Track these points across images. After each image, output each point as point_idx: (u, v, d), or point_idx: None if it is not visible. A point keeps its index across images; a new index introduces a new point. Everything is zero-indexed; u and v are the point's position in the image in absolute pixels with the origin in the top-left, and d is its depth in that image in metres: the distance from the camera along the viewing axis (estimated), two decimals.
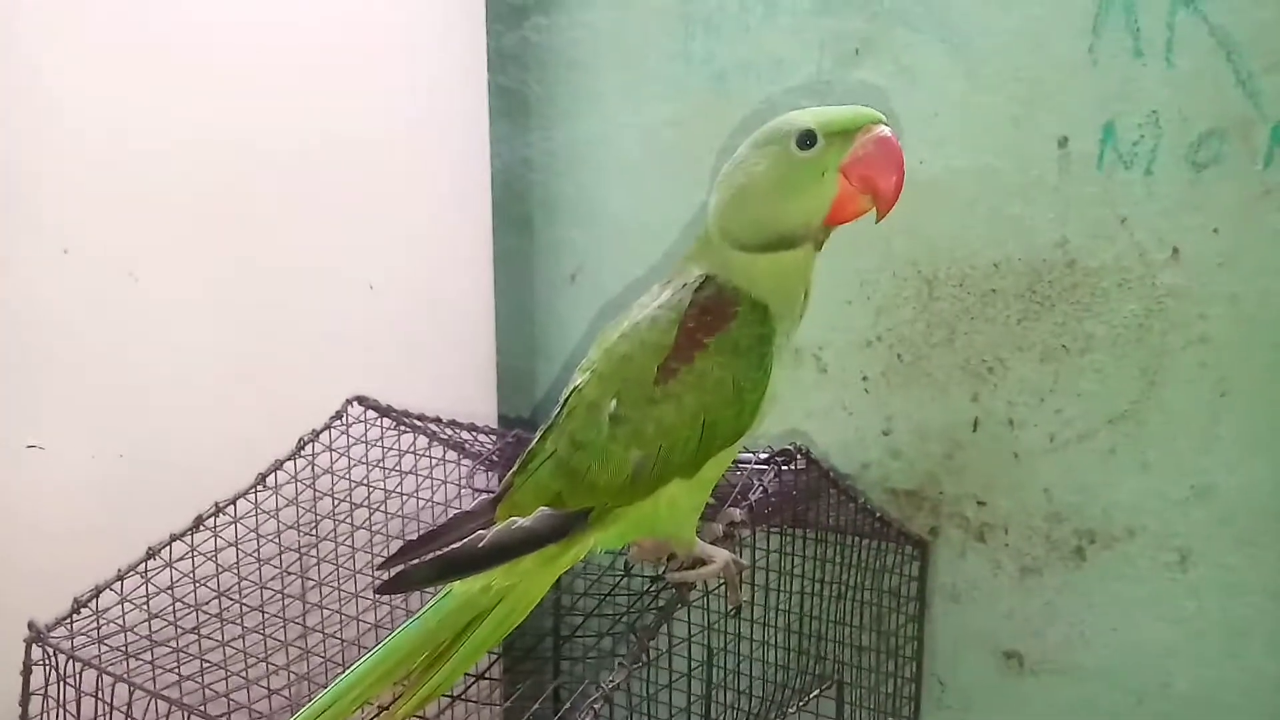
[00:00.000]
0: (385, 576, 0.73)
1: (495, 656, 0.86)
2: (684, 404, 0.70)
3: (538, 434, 0.76)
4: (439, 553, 0.72)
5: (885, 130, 0.68)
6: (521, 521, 0.73)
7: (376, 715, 0.73)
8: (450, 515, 0.79)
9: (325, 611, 1.03)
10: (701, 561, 0.78)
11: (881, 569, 1.13)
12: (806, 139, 0.67)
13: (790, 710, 0.99)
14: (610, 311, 1.35)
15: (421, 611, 0.74)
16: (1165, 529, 1.05)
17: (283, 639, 1.00)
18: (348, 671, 0.72)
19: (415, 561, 0.73)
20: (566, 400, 0.74)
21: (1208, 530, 1.03)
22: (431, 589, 0.74)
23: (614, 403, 0.71)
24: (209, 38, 1.04)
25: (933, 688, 1.19)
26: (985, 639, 1.16)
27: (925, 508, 1.18)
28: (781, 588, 1.04)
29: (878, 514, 1.08)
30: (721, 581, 0.80)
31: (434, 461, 1.16)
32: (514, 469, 0.76)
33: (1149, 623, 1.06)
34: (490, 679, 0.84)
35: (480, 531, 0.73)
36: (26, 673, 0.86)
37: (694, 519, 0.77)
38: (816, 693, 1.02)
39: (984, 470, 1.14)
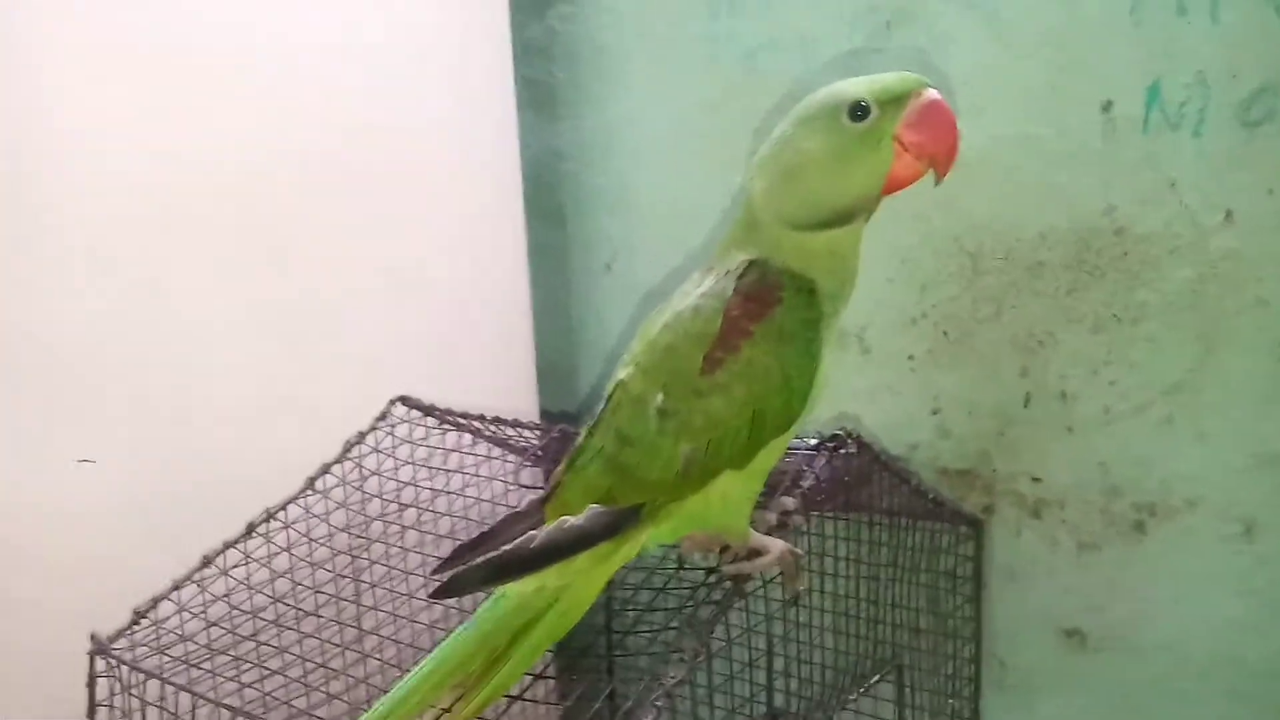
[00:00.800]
0: (438, 581, 0.73)
1: (550, 656, 0.86)
2: (732, 394, 0.69)
3: (583, 430, 0.75)
4: (490, 555, 0.72)
5: (935, 93, 0.66)
6: (572, 520, 0.72)
7: (438, 719, 0.73)
8: (500, 515, 0.78)
9: (380, 614, 1.04)
10: (757, 552, 0.77)
11: (936, 550, 1.12)
12: (859, 110, 0.65)
13: (851, 697, 0.98)
14: (649, 301, 1.34)
15: (476, 615, 0.73)
16: (1227, 499, 1.02)
17: (339, 643, 1.00)
18: (406, 677, 0.71)
19: (467, 565, 0.72)
20: (611, 394, 0.73)
21: (1272, 499, 1.00)
22: (485, 591, 0.74)
23: (660, 396, 0.70)
24: (235, 43, 1.04)
25: (993, 668, 1.17)
26: (1045, 617, 1.14)
27: (978, 486, 1.16)
28: (837, 573, 1.03)
29: (931, 495, 1.06)
30: (779, 571, 0.78)
31: (480, 459, 1.16)
32: (561, 467, 0.75)
33: (1215, 595, 1.04)
34: (546, 677, 0.84)
35: (531, 532, 0.72)
36: (92, 684, 0.87)
37: (748, 510, 0.76)
38: (877, 678, 1.01)
39: (1037, 446, 1.12)
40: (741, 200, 0.73)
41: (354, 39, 1.15)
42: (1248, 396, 1.00)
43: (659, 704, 0.65)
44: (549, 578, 0.72)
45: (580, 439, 0.75)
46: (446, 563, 0.74)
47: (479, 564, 0.72)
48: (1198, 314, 1.01)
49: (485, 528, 0.77)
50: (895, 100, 0.65)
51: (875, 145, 0.66)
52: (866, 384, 1.22)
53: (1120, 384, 1.06)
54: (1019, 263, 1.10)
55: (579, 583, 0.73)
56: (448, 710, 0.73)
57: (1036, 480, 1.12)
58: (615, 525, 0.72)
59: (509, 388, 1.36)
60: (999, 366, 1.13)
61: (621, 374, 0.73)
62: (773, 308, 0.69)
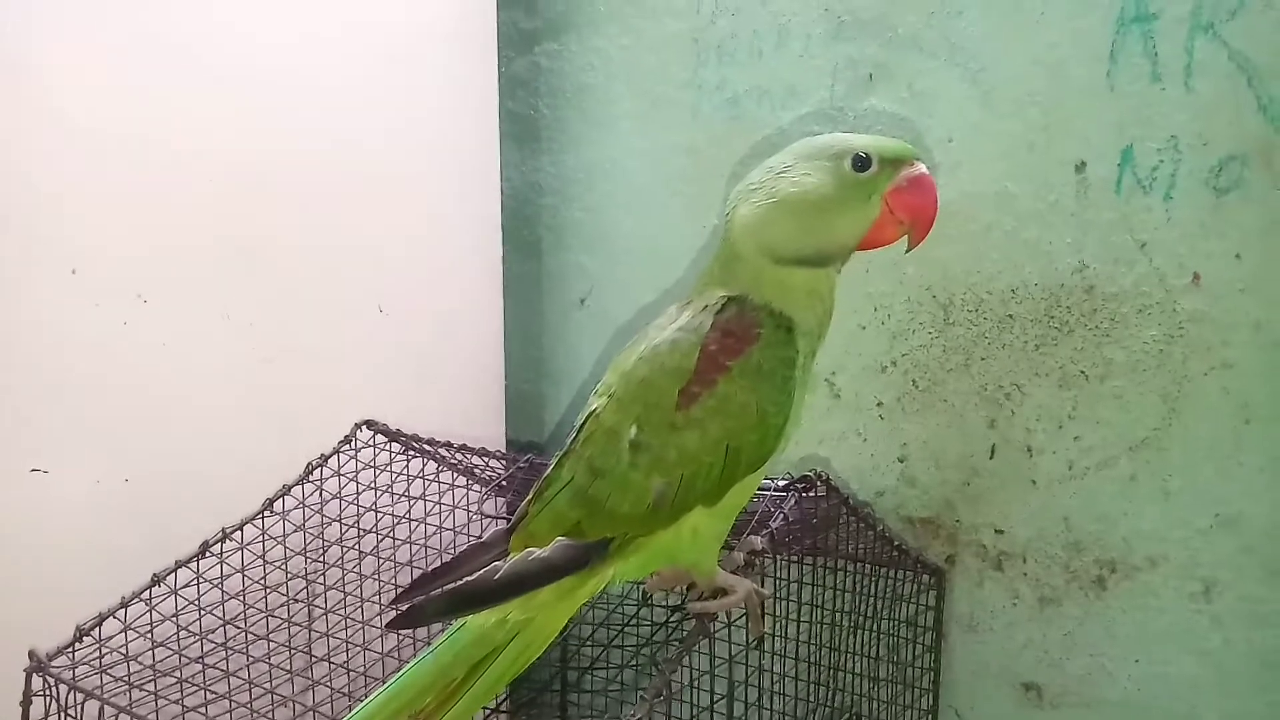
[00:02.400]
0: (397, 610, 0.71)
1: (504, 694, 0.84)
2: (707, 430, 0.69)
3: (553, 460, 0.74)
4: (453, 585, 0.70)
5: (924, 168, 0.71)
6: (538, 552, 0.71)
7: None
8: (462, 545, 0.77)
9: (333, 640, 1.02)
10: (723, 591, 0.76)
11: (898, 598, 1.11)
12: (861, 160, 0.69)
13: None
14: (620, 337, 1.34)
15: (435, 645, 0.72)
16: (1188, 559, 1.03)
17: (289, 669, 0.98)
18: (359, 706, 0.69)
19: (428, 595, 0.71)
20: (583, 425, 0.73)
21: (1233, 560, 1.01)
22: (445, 622, 0.72)
23: (634, 429, 0.70)
24: (222, 62, 1.04)
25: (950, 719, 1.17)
26: (1003, 670, 1.13)
27: (942, 536, 1.16)
28: (799, 618, 1.02)
29: (896, 542, 1.06)
30: (743, 612, 0.78)
31: (444, 487, 1.14)
32: (529, 497, 0.74)
33: (1173, 655, 1.04)
34: (500, 712, 0.82)
35: (495, 563, 0.71)
36: (26, 703, 0.84)
37: (716, 548, 0.75)
38: None
39: (1002, 498, 1.12)
40: (722, 233, 0.74)
41: (341, 61, 1.15)
42: (1211, 457, 1.01)
43: None
44: (512, 610, 0.71)
45: (550, 469, 0.74)
46: (407, 592, 0.73)
47: (440, 594, 0.71)
48: (1164, 374, 1.02)
49: (447, 556, 0.76)
50: (893, 162, 0.70)
51: (866, 198, 0.70)
52: (836, 428, 1.23)
53: (1085, 439, 1.07)
54: (990, 315, 1.12)
55: (542, 617, 0.72)
56: None
57: (1000, 532, 1.13)
58: (582, 559, 0.71)
59: (477, 416, 1.35)
60: (966, 417, 1.13)
61: (594, 404, 0.73)
62: (751, 344, 0.69)
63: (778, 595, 1.02)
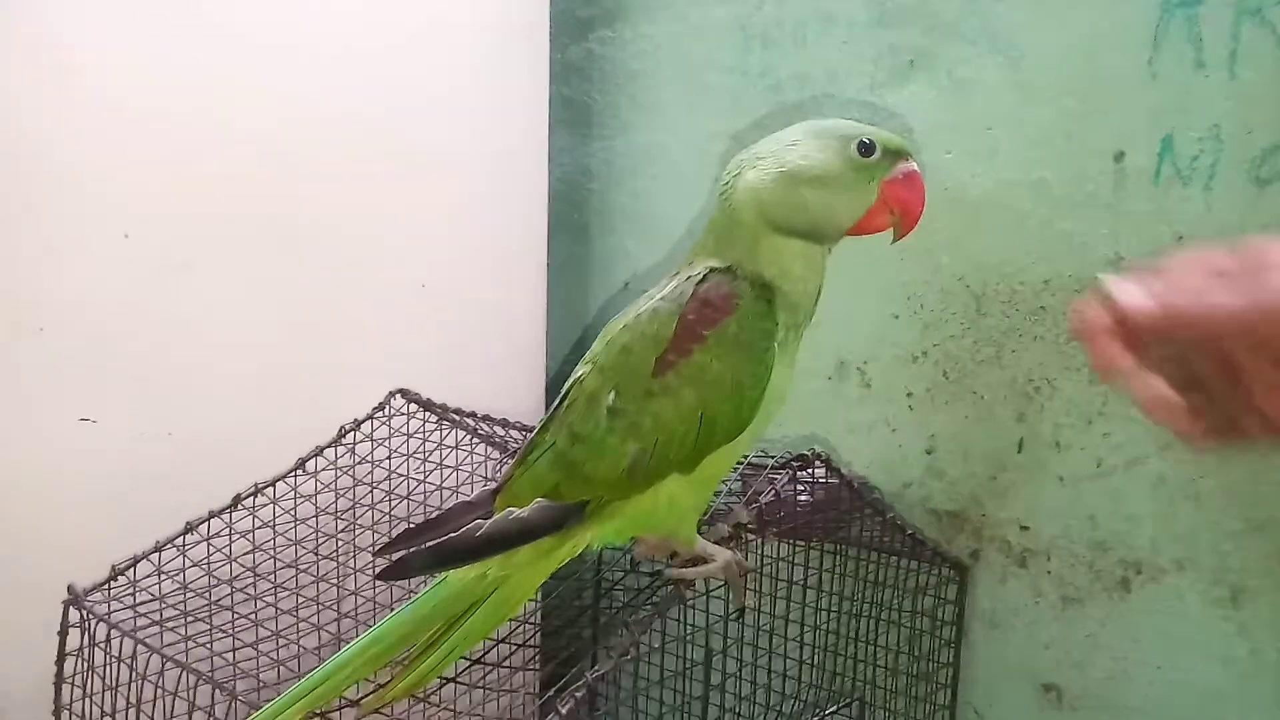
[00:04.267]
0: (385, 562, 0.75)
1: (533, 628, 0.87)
2: (681, 398, 0.70)
3: (538, 425, 0.76)
4: (437, 541, 0.73)
5: (916, 165, 0.73)
6: (518, 512, 0.73)
7: (371, 693, 0.75)
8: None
9: (358, 598, 1.06)
10: (703, 560, 0.78)
11: (915, 589, 1.10)
12: (867, 146, 0.71)
13: None
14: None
15: (418, 597, 0.75)
16: (1217, 564, 0.99)
17: (315, 622, 1.03)
18: (342, 650, 0.73)
19: (414, 549, 0.74)
20: (568, 392, 0.75)
21: (1262, 567, 0.97)
22: (429, 575, 0.75)
23: (612, 395, 0.71)
24: (276, 42, 1.09)
25: (969, 717, 1.15)
26: (1024, 670, 1.11)
27: (967, 530, 1.15)
28: (792, 598, 1.02)
29: (909, 531, 1.05)
30: (723, 582, 0.79)
31: (477, 458, 1.18)
32: (515, 460, 0.77)
33: (1197, 662, 1.01)
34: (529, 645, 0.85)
35: (479, 521, 0.74)
36: (63, 634, 0.90)
37: (694, 517, 0.76)
38: (833, 709, 1.00)
39: (1028, 493, 1.10)
40: (720, 199, 0.75)
41: (395, 44, 1.19)
42: (1244, 459, 0.97)
43: (578, 694, 0.66)
44: (491, 567, 0.74)
45: (534, 433, 0.76)
46: (393, 544, 0.76)
47: (425, 549, 0.73)
48: None
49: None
50: (893, 154, 0.72)
51: (866, 183, 0.72)
52: (866, 418, 1.22)
53: (1114, 436, 1.04)
54: (1022, 307, 1.10)
55: (519, 575, 0.75)
56: (383, 685, 0.75)
57: (1025, 528, 1.10)
58: (560, 520, 0.73)
59: (518, 394, 1.38)
60: (995, 410, 1.12)
61: (579, 372, 0.75)
62: (728, 314, 0.70)
63: (781, 578, 1.02)
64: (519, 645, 0.82)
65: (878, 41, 1.19)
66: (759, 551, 1.00)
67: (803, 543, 1.03)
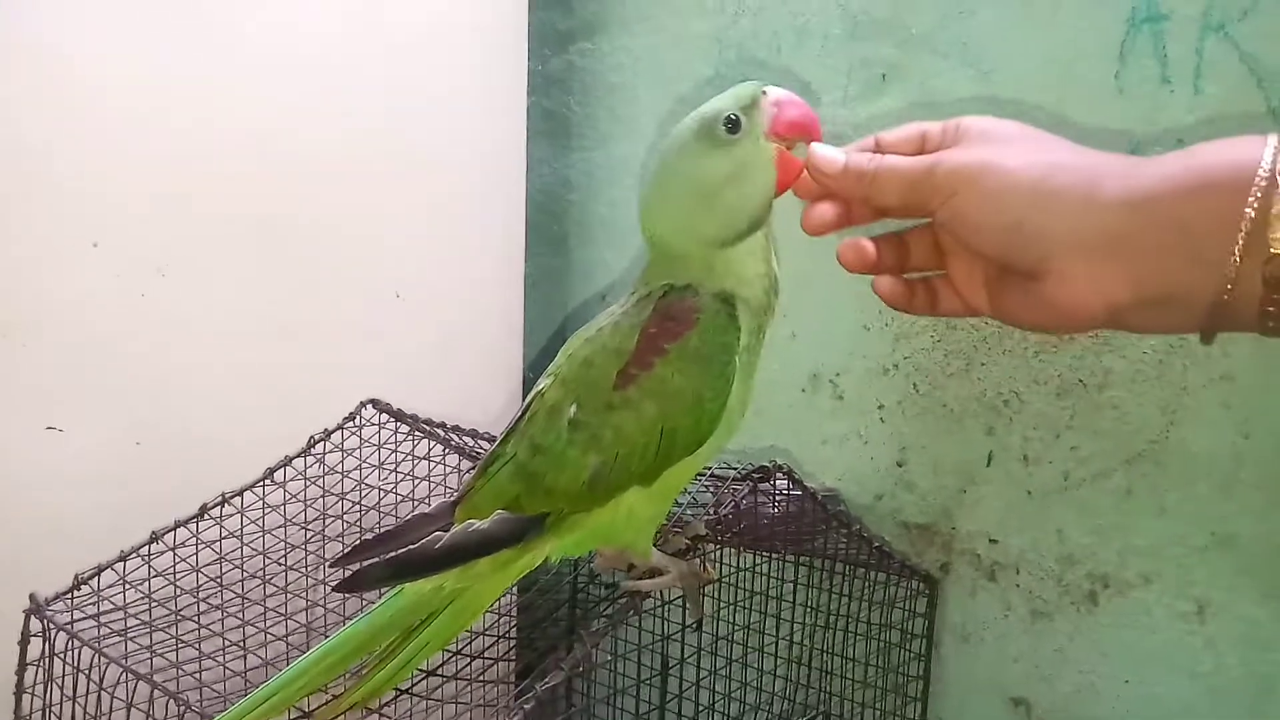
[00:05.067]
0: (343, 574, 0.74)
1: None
2: (642, 411, 0.70)
3: (499, 437, 0.76)
4: (395, 553, 0.73)
5: (776, 88, 0.69)
6: (478, 524, 0.73)
7: (326, 704, 0.75)
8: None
9: (325, 610, 1.06)
10: (660, 572, 0.78)
11: (885, 602, 1.10)
12: (730, 122, 0.67)
13: None
14: None
15: (374, 607, 0.75)
16: (1183, 577, 0.99)
17: (277, 633, 1.02)
18: (297, 660, 0.73)
19: (371, 561, 0.73)
20: (529, 404, 0.75)
21: (1228, 580, 0.97)
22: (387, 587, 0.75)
23: (574, 407, 0.71)
24: (248, 43, 1.09)
25: None
26: (993, 683, 1.11)
27: (938, 543, 1.15)
28: (754, 608, 1.02)
29: (876, 544, 1.05)
30: (682, 593, 0.79)
31: (448, 469, 1.18)
32: (475, 471, 0.77)
33: (1164, 676, 1.01)
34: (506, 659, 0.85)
35: (438, 533, 0.74)
36: (24, 643, 0.90)
37: (651, 530, 0.76)
38: None
39: (997, 507, 1.10)
40: (649, 249, 0.74)
41: (372, 52, 1.20)
42: (1210, 472, 0.97)
43: (527, 707, 0.66)
44: (449, 579, 0.74)
45: (496, 445, 0.76)
46: (350, 555, 0.76)
47: (383, 561, 0.73)
48: (1163, 384, 0.99)
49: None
50: (753, 104, 0.68)
51: (756, 147, 0.68)
52: (838, 430, 1.22)
53: (1082, 450, 1.04)
54: (991, 320, 1.09)
55: (477, 587, 0.75)
56: (336, 698, 0.75)
57: (994, 542, 1.11)
58: (519, 532, 0.73)
59: (494, 405, 1.38)
60: (965, 423, 1.12)
61: (541, 384, 0.75)
62: (689, 328, 0.70)
63: (735, 585, 1.02)
64: (496, 638, 0.81)
65: (851, 55, 1.19)
66: (722, 562, 1.00)
67: (767, 555, 1.03)
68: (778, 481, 0.88)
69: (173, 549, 0.99)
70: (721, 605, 1.03)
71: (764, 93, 0.68)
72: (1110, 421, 1.03)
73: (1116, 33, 1.01)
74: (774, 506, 0.97)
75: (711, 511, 0.81)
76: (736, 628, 1.01)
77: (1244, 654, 0.97)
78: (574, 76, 1.48)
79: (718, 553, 0.92)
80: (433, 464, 1.18)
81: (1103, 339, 1.03)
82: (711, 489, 0.87)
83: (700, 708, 0.94)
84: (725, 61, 1.32)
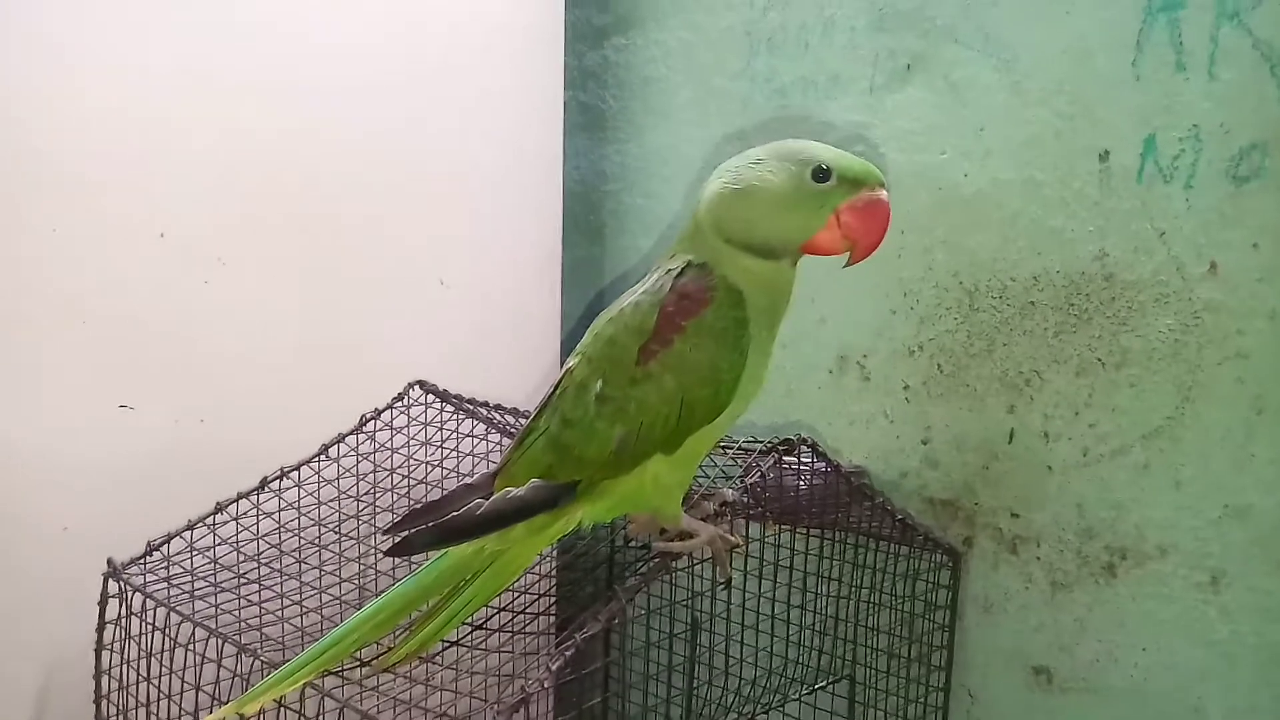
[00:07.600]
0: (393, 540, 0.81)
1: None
2: (663, 384, 0.76)
3: (534, 412, 0.82)
4: (440, 520, 0.79)
5: (884, 194, 0.75)
6: (515, 492, 0.79)
7: (376, 658, 0.81)
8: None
9: (375, 573, 1.13)
10: (690, 535, 0.83)
11: (909, 574, 1.14)
12: (821, 173, 0.74)
13: (793, 697, 1.02)
14: None
15: (421, 568, 0.81)
16: (1198, 549, 1.02)
17: (333, 594, 1.09)
18: (350, 617, 0.79)
19: (420, 527, 0.79)
20: (560, 381, 0.80)
21: (1242, 552, 1.00)
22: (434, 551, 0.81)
23: (600, 383, 0.77)
24: (300, 44, 1.16)
25: (962, 699, 1.19)
26: (1015, 653, 1.15)
27: (961, 518, 1.19)
28: (778, 579, 1.06)
29: (900, 517, 1.09)
30: (710, 555, 0.84)
31: (488, 445, 1.24)
32: (513, 444, 0.82)
33: (1180, 644, 1.04)
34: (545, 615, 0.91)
35: (479, 501, 0.79)
36: (103, 604, 0.98)
37: (679, 494, 0.82)
38: (822, 684, 1.04)
39: (1018, 482, 1.14)
40: (692, 205, 0.80)
41: (416, 50, 1.26)
42: (1224, 447, 1.00)
43: (568, 654, 0.71)
44: (489, 543, 0.79)
45: (531, 420, 0.82)
46: (401, 523, 0.82)
47: (430, 527, 0.79)
48: (1179, 362, 1.02)
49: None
50: (853, 182, 0.74)
51: (817, 208, 0.75)
52: (865, 410, 1.26)
53: (1100, 427, 1.07)
54: (1013, 302, 1.13)
55: (515, 550, 0.80)
56: (389, 650, 0.81)
57: (1015, 516, 1.14)
58: (553, 499, 0.79)
59: (533, 389, 1.44)
60: (987, 402, 1.15)
61: (570, 362, 0.81)
62: (705, 306, 0.76)
63: (760, 557, 1.06)
64: (538, 595, 0.87)
65: (876, 45, 1.23)
66: (747, 534, 1.04)
67: (791, 527, 1.08)
68: (803, 456, 0.92)
69: (235, 519, 1.06)
70: (749, 575, 1.08)
71: (873, 186, 0.74)
72: (1127, 399, 1.06)
73: (1134, 22, 1.03)
74: (801, 480, 1.02)
75: (740, 481, 0.86)
76: (764, 597, 1.06)
77: (1257, 623, 0.99)
78: (609, 71, 1.53)
79: (745, 526, 0.97)
80: (476, 440, 1.24)
81: (1119, 319, 1.06)
82: (739, 461, 0.92)
83: (731, 660, 1.00)
84: (755, 54, 1.36)
